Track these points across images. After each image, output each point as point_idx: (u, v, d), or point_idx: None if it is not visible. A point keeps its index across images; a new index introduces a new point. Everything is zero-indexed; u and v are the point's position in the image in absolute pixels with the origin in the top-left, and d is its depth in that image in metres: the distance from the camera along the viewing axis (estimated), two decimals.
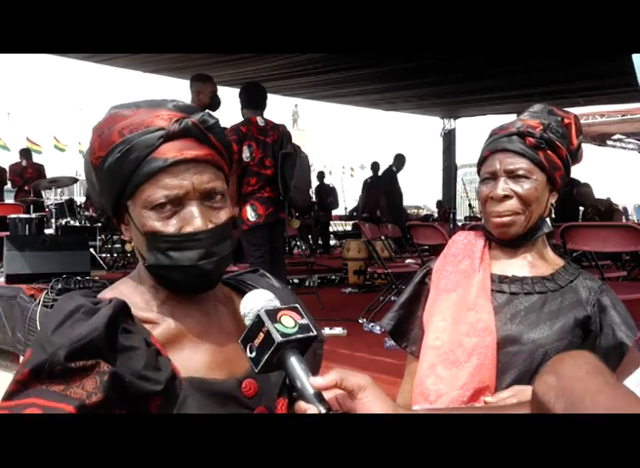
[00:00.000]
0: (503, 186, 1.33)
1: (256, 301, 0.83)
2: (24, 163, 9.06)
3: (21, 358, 4.82)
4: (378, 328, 4.47)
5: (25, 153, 9.30)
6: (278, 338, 0.74)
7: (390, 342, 3.86)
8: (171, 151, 0.86)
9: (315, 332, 0.79)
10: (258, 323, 0.77)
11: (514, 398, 1.23)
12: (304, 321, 0.79)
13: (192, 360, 0.89)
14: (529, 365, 1.30)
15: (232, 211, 0.96)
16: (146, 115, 0.88)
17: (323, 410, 0.71)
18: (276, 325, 0.76)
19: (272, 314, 0.77)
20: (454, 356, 1.33)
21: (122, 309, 0.85)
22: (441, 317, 1.38)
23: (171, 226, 0.87)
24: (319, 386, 0.72)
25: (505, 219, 1.34)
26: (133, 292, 0.94)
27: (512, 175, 1.33)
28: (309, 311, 0.89)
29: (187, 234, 0.87)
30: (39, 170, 9.04)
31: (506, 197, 1.33)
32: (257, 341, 0.76)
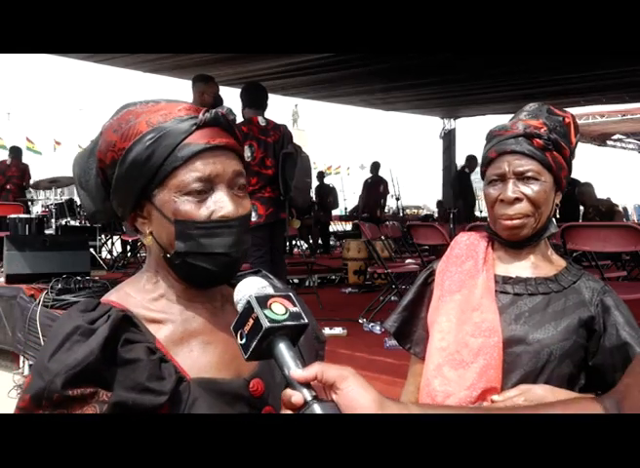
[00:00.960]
0: (513, 189, 1.33)
1: (247, 288, 0.83)
2: (9, 161, 8.96)
3: (22, 358, 4.83)
4: (378, 328, 4.48)
5: (15, 151, 9.16)
6: (266, 324, 0.74)
7: (390, 342, 3.87)
8: (204, 137, 0.89)
9: (306, 321, 0.78)
10: (248, 309, 0.77)
11: (521, 397, 1.24)
12: (296, 309, 0.78)
13: (201, 359, 0.90)
14: (534, 365, 1.30)
15: None
16: (170, 107, 0.91)
17: (309, 397, 0.71)
18: (265, 311, 0.75)
19: (262, 300, 0.77)
20: (460, 356, 1.33)
21: (122, 321, 0.85)
22: (446, 318, 1.39)
23: (203, 212, 0.88)
24: (299, 378, 0.72)
25: (516, 222, 1.34)
26: (140, 292, 0.94)
27: (521, 176, 1.33)
28: (310, 311, 0.89)
29: (220, 220, 0.88)
30: (23, 169, 8.92)
31: (517, 199, 1.33)
32: (246, 328, 0.76)
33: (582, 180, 7.88)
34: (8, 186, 8.62)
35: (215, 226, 0.88)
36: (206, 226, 0.88)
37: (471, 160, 9.73)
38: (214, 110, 0.92)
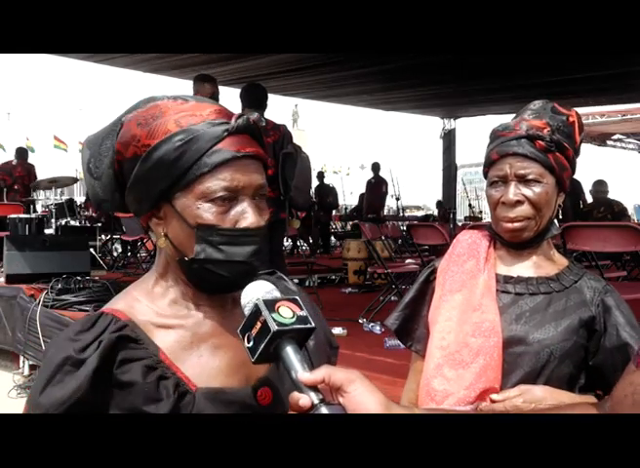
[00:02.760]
0: (515, 191, 1.33)
1: (255, 292, 0.83)
2: (15, 162, 8.96)
3: (22, 358, 4.81)
4: (378, 328, 4.48)
5: (20, 152, 9.16)
6: (274, 327, 0.74)
7: (390, 342, 3.87)
8: (234, 145, 0.87)
9: (313, 324, 0.78)
10: (255, 312, 0.77)
11: (520, 397, 1.23)
12: (303, 312, 0.78)
13: (210, 364, 0.89)
14: (534, 365, 1.30)
15: None
16: (201, 108, 0.88)
17: (316, 400, 0.71)
18: (273, 314, 0.75)
19: (270, 304, 0.77)
20: (460, 356, 1.33)
21: (117, 342, 0.84)
22: (446, 317, 1.38)
23: (227, 220, 0.87)
24: (306, 381, 0.72)
25: (517, 225, 1.34)
26: (149, 296, 0.93)
27: (523, 179, 1.33)
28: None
29: (244, 229, 0.87)
30: (29, 170, 8.92)
31: (518, 202, 1.32)
32: (254, 331, 0.76)
33: (579, 180, 7.85)
34: (16, 187, 8.60)
35: (238, 235, 0.87)
36: (229, 234, 0.87)
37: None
38: (245, 117, 0.89)
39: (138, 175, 0.87)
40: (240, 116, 0.89)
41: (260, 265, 0.91)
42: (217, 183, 0.85)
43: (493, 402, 1.26)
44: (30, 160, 9.39)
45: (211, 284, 0.90)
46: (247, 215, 0.87)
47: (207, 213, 0.86)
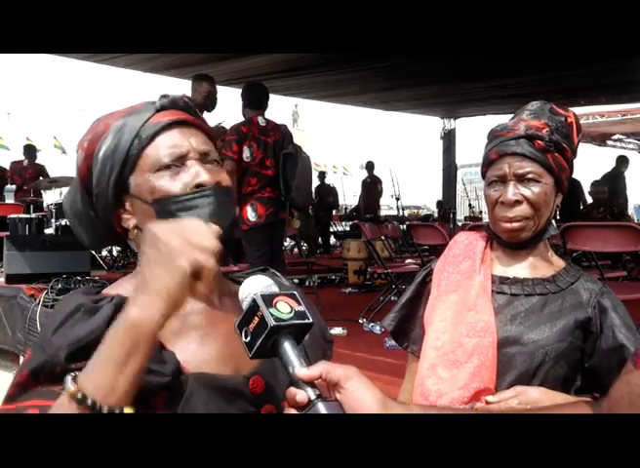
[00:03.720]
0: (514, 191, 1.33)
1: (253, 286, 0.83)
2: (26, 162, 8.93)
3: (22, 358, 4.84)
4: (378, 328, 4.48)
5: (29, 151, 9.10)
6: (272, 322, 0.74)
7: (390, 342, 3.87)
8: (166, 116, 0.92)
9: (311, 320, 0.78)
10: (253, 307, 0.77)
11: (516, 399, 1.23)
12: (301, 308, 0.78)
13: (199, 353, 0.89)
14: (529, 365, 1.30)
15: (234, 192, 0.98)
16: (127, 107, 0.95)
17: (313, 396, 0.71)
18: (271, 309, 0.75)
19: (268, 299, 0.77)
20: (454, 356, 1.33)
21: (123, 306, 0.85)
22: (441, 318, 1.39)
23: (178, 183, 0.89)
24: (304, 377, 0.72)
25: (516, 225, 1.34)
26: (137, 289, 0.93)
27: (522, 178, 1.33)
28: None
29: (197, 188, 0.89)
30: (40, 171, 8.92)
31: (517, 202, 1.33)
32: (251, 326, 0.76)
33: (579, 180, 7.83)
34: (25, 187, 8.58)
35: (191, 197, 0.88)
36: (183, 199, 0.88)
37: (624, 160, 9.17)
38: (171, 96, 0.95)
39: (95, 179, 0.93)
40: (164, 96, 0.95)
41: (227, 230, 0.89)
42: (158, 151, 0.90)
43: (488, 403, 1.26)
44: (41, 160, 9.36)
45: None
46: (198, 174, 0.89)
47: (158, 180, 0.89)
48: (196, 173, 0.90)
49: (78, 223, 0.99)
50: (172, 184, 0.89)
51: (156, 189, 0.89)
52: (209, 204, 0.89)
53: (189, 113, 0.95)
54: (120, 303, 0.84)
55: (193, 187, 0.89)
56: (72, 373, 0.71)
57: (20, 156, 9.19)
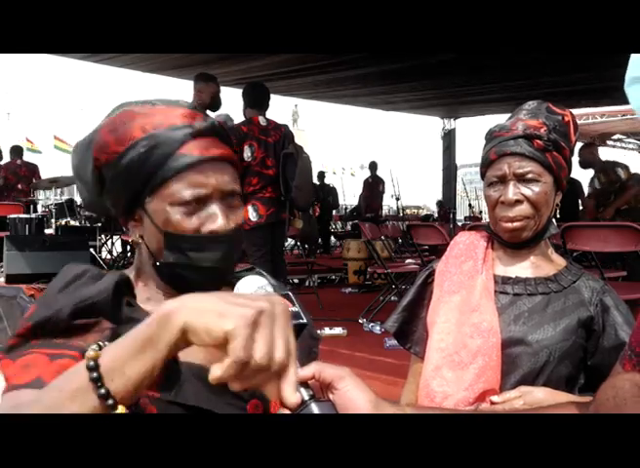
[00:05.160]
0: (514, 190, 1.33)
1: (248, 287, 0.83)
2: (19, 161, 9.00)
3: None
4: (378, 328, 4.48)
5: (16, 151, 9.16)
6: None
7: (390, 342, 3.87)
8: (198, 148, 0.87)
9: (305, 320, 0.79)
10: None
11: (520, 400, 1.23)
12: (295, 308, 0.79)
13: (190, 351, 0.89)
14: (533, 365, 1.30)
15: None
16: (167, 113, 0.89)
17: (306, 396, 0.71)
18: None
19: None
20: (458, 357, 1.33)
21: (127, 283, 0.87)
22: (445, 319, 1.39)
23: (194, 224, 0.87)
24: (297, 377, 0.72)
25: (517, 224, 1.34)
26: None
27: (522, 178, 1.33)
28: (309, 311, 0.89)
29: (210, 234, 0.88)
30: (33, 169, 8.97)
31: (517, 201, 1.33)
32: None
33: (579, 180, 7.79)
34: (19, 186, 8.62)
35: (203, 240, 0.88)
36: (194, 240, 0.88)
37: None
38: (210, 119, 0.90)
39: (110, 180, 0.90)
40: (205, 118, 0.90)
41: (230, 268, 0.92)
42: (181, 187, 0.86)
43: (493, 404, 1.26)
44: (30, 160, 9.40)
45: (182, 286, 0.90)
46: (215, 219, 0.88)
47: (175, 216, 0.87)
48: (214, 216, 0.88)
49: (82, 185, 0.96)
50: (187, 222, 0.87)
51: (171, 222, 0.87)
52: (220, 248, 0.89)
53: (223, 141, 0.91)
54: (123, 278, 0.86)
55: (207, 232, 0.88)
56: (99, 343, 0.70)
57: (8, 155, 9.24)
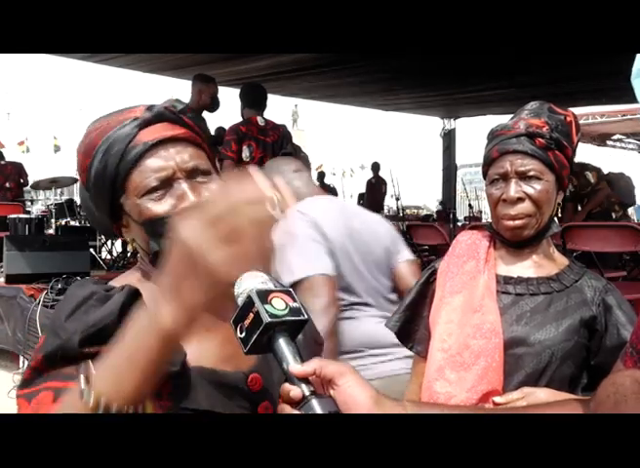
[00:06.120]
0: (516, 188, 1.33)
1: (248, 282, 0.82)
2: (3, 162, 9.09)
3: (22, 358, 4.81)
4: None
5: None
6: (266, 319, 0.74)
7: None
8: (148, 135, 0.90)
9: (306, 316, 0.78)
10: (248, 303, 0.76)
11: (523, 400, 1.23)
12: (296, 304, 0.78)
13: (201, 351, 0.89)
14: (536, 366, 1.29)
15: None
16: (119, 116, 0.93)
17: (307, 392, 0.71)
18: (266, 306, 0.75)
19: (263, 295, 0.76)
20: (461, 358, 1.33)
21: (134, 296, 0.87)
22: (447, 320, 1.38)
23: (165, 207, 0.89)
24: (298, 373, 0.72)
25: (519, 222, 1.34)
26: (138, 286, 0.93)
27: (523, 176, 1.33)
28: None
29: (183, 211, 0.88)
30: (19, 168, 9.08)
31: (519, 199, 1.33)
32: (246, 322, 0.76)
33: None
34: (7, 184, 8.67)
35: None
36: (170, 220, 0.87)
37: None
38: (156, 107, 0.93)
39: (92, 194, 0.94)
40: (150, 108, 0.92)
41: None
42: (144, 177, 0.89)
43: (496, 405, 1.26)
44: (30, 160, 9.44)
45: None
46: (185, 197, 0.89)
47: (146, 206, 0.89)
48: (183, 194, 0.89)
49: (89, 212, 1.01)
50: (159, 207, 0.89)
51: (145, 212, 0.89)
52: None
53: (175, 123, 0.93)
54: (131, 292, 0.86)
55: (180, 209, 0.88)
56: (84, 373, 0.70)
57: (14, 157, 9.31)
